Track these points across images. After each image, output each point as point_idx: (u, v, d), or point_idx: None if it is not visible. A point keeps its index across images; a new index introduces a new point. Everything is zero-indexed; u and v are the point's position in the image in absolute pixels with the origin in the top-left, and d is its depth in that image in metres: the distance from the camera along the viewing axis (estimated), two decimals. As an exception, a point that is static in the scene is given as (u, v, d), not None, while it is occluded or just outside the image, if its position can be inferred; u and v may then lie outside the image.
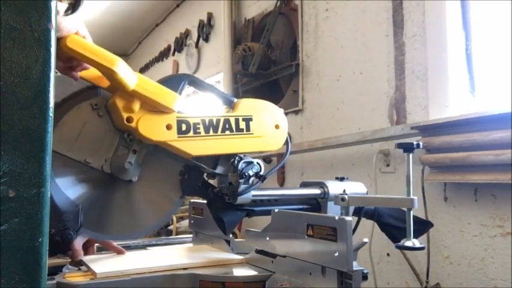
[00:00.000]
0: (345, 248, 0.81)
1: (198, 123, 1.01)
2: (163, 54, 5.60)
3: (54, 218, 0.97)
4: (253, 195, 1.08)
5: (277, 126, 1.11)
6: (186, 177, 1.08)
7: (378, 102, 2.43)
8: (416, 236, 1.30)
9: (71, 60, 0.93)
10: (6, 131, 0.49)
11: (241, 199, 1.05)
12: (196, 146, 1.01)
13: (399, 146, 0.99)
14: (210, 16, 4.40)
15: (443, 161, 1.92)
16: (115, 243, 1.26)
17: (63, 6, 1.21)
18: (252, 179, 1.06)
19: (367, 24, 2.54)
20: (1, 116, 0.49)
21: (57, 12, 1.25)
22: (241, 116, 1.06)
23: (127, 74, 0.91)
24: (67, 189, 0.98)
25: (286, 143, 1.13)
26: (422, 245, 0.93)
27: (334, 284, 0.84)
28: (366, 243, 0.84)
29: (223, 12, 3.89)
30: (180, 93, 1.01)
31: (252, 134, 1.06)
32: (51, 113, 0.52)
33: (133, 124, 0.95)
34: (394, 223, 1.18)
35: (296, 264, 0.94)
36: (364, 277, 0.82)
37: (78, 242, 1.22)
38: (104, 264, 1.04)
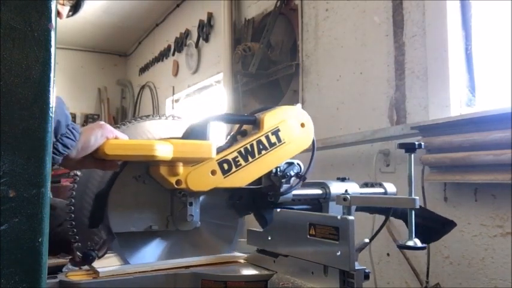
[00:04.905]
0: (347, 247, 0.81)
1: (237, 157, 1.05)
2: (163, 54, 5.60)
3: (86, 234, 1.02)
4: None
5: (302, 125, 1.14)
6: (237, 202, 1.13)
7: (378, 102, 2.43)
8: (440, 236, 1.32)
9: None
10: (6, 131, 0.49)
11: (282, 198, 1.10)
12: (243, 177, 1.06)
13: (401, 146, 0.98)
14: (210, 16, 4.39)
15: (443, 161, 1.92)
16: None
17: (66, 9, 1.21)
18: (292, 179, 1.11)
19: (367, 24, 2.54)
20: (1, 116, 0.48)
21: (60, 16, 1.25)
22: (269, 131, 1.09)
23: (164, 150, 0.94)
24: (134, 255, 1.04)
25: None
26: (423, 245, 0.93)
27: (336, 283, 0.84)
28: (367, 243, 0.84)
29: (223, 12, 3.88)
30: (209, 135, 1.05)
31: (284, 143, 1.10)
32: (51, 113, 0.52)
33: (183, 185, 0.99)
34: (422, 223, 1.20)
35: (298, 263, 0.94)
36: (366, 276, 0.82)
37: None
38: (106, 263, 1.04)
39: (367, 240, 0.84)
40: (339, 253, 0.83)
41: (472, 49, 2.09)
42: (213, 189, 1.04)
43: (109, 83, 7.14)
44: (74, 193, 1.02)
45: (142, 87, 6.38)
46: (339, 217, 0.85)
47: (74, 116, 6.85)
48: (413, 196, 0.94)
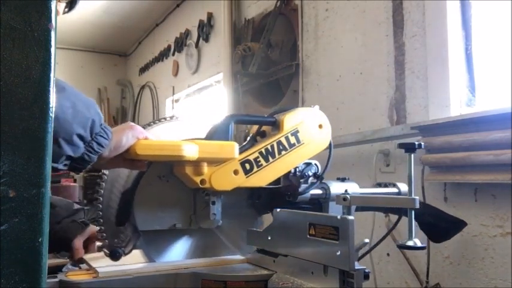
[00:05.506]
0: (347, 247, 0.81)
1: (258, 157, 1.07)
2: (163, 54, 5.60)
3: (113, 232, 1.04)
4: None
5: (320, 126, 1.16)
6: (257, 201, 1.16)
7: (378, 102, 2.43)
8: (451, 236, 1.33)
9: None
10: (6, 131, 0.49)
11: (300, 197, 1.13)
12: (264, 177, 1.08)
13: (401, 146, 0.99)
14: (210, 16, 4.40)
15: (443, 161, 1.92)
16: None
17: (62, 6, 1.22)
18: (310, 179, 1.14)
19: (367, 24, 2.54)
20: (1, 116, 0.48)
21: (57, 13, 1.26)
22: (288, 132, 1.12)
23: (190, 150, 0.96)
24: (159, 255, 1.08)
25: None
26: (423, 245, 0.93)
27: (336, 283, 0.84)
28: (367, 243, 0.84)
29: (223, 12, 3.89)
30: (231, 136, 1.08)
31: (303, 143, 1.13)
32: (51, 113, 0.52)
33: (207, 185, 1.02)
34: (433, 222, 1.21)
35: (298, 263, 0.94)
36: (366, 276, 0.82)
37: (79, 241, 1.22)
38: (104, 263, 1.04)
39: (366, 240, 0.84)
40: (338, 253, 0.83)
41: (472, 49, 2.09)
42: (234, 189, 1.06)
43: (109, 83, 7.14)
44: (102, 192, 1.05)
45: (142, 87, 6.38)
46: (338, 217, 0.85)
47: (74, 116, 6.84)
48: (413, 196, 0.94)
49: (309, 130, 1.14)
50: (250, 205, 1.17)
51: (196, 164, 0.99)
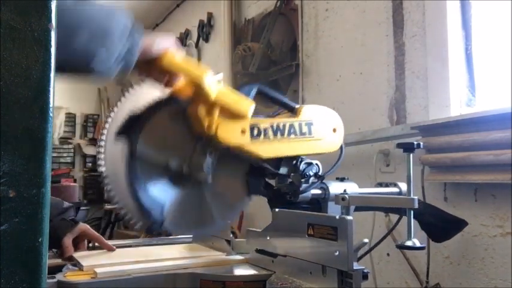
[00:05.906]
0: (346, 247, 0.82)
1: (267, 128, 1.09)
2: (163, 54, 5.60)
3: (143, 215, 1.04)
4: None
5: (334, 130, 1.20)
6: (252, 178, 1.15)
7: (378, 102, 2.43)
8: (452, 235, 1.33)
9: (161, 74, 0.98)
10: (6, 131, 0.49)
11: (301, 197, 1.14)
12: (266, 149, 1.09)
13: (399, 146, 0.99)
14: (210, 16, 4.40)
15: (443, 161, 1.92)
16: (106, 240, 1.27)
17: None
18: (311, 178, 1.14)
19: (367, 24, 2.54)
20: (1, 116, 0.48)
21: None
22: (303, 121, 1.14)
23: (212, 83, 0.97)
24: (151, 190, 1.07)
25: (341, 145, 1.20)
26: (423, 245, 0.93)
27: (335, 283, 0.84)
28: (366, 243, 0.84)
29: (223, 12, 3.89)
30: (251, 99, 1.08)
31: (313, 137, 1.15)
32: (51, 113, 0.52)
33: (213, 132, 1.02)
34: (434, 222, 1.22)
35: (296, 263, 0.94)
36: (365, 276, 0.82)
37: (69, 239, 1.22)
38: (94, 261, 1.04)
39: (366, 240, 0.84)
40: (337, 253, 0.83)
41: (472, 49, 2.09)
42: (235, 160, 1.06)
43: (109, 83, 7.13)
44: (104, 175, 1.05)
45: (143, 87, 6.37)
46: (337, 217, 0.85)
47: (73, 116, 6.86)
48: (412, 196, 0.94)
49: (322, 127, 1.16)
50: (245, 183, 1.16)
51: (211, 107, 1.00)
